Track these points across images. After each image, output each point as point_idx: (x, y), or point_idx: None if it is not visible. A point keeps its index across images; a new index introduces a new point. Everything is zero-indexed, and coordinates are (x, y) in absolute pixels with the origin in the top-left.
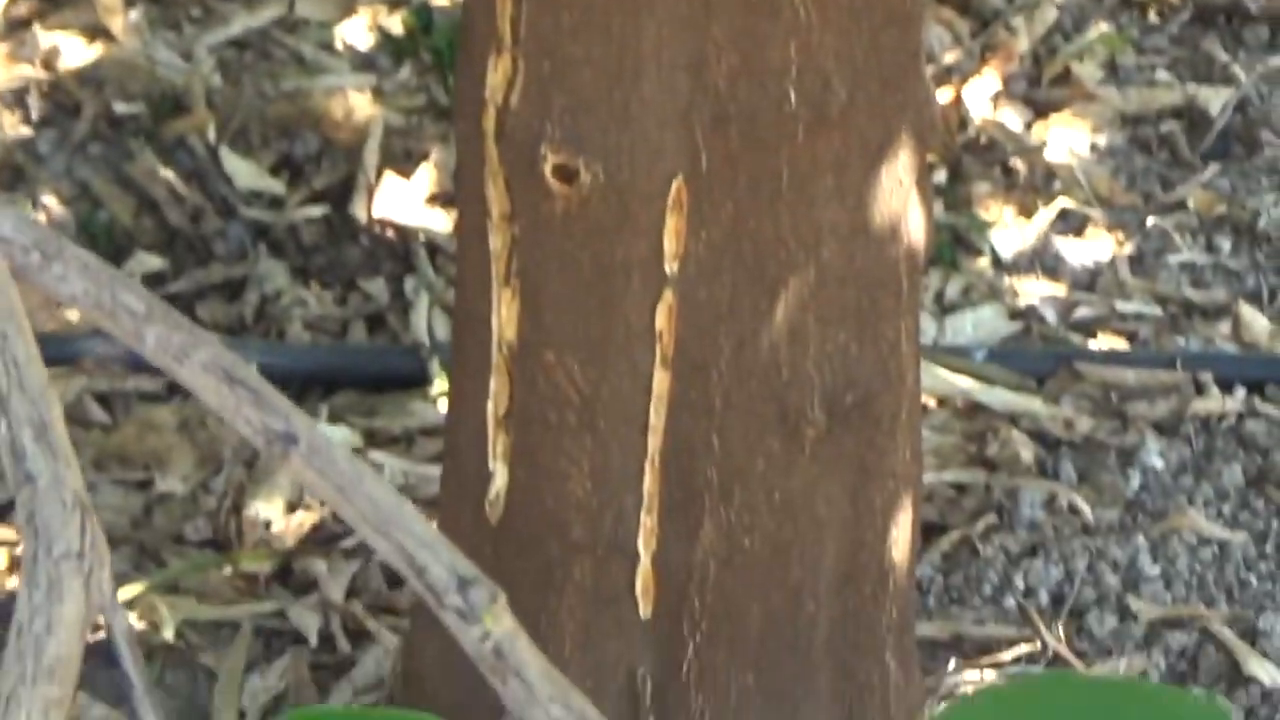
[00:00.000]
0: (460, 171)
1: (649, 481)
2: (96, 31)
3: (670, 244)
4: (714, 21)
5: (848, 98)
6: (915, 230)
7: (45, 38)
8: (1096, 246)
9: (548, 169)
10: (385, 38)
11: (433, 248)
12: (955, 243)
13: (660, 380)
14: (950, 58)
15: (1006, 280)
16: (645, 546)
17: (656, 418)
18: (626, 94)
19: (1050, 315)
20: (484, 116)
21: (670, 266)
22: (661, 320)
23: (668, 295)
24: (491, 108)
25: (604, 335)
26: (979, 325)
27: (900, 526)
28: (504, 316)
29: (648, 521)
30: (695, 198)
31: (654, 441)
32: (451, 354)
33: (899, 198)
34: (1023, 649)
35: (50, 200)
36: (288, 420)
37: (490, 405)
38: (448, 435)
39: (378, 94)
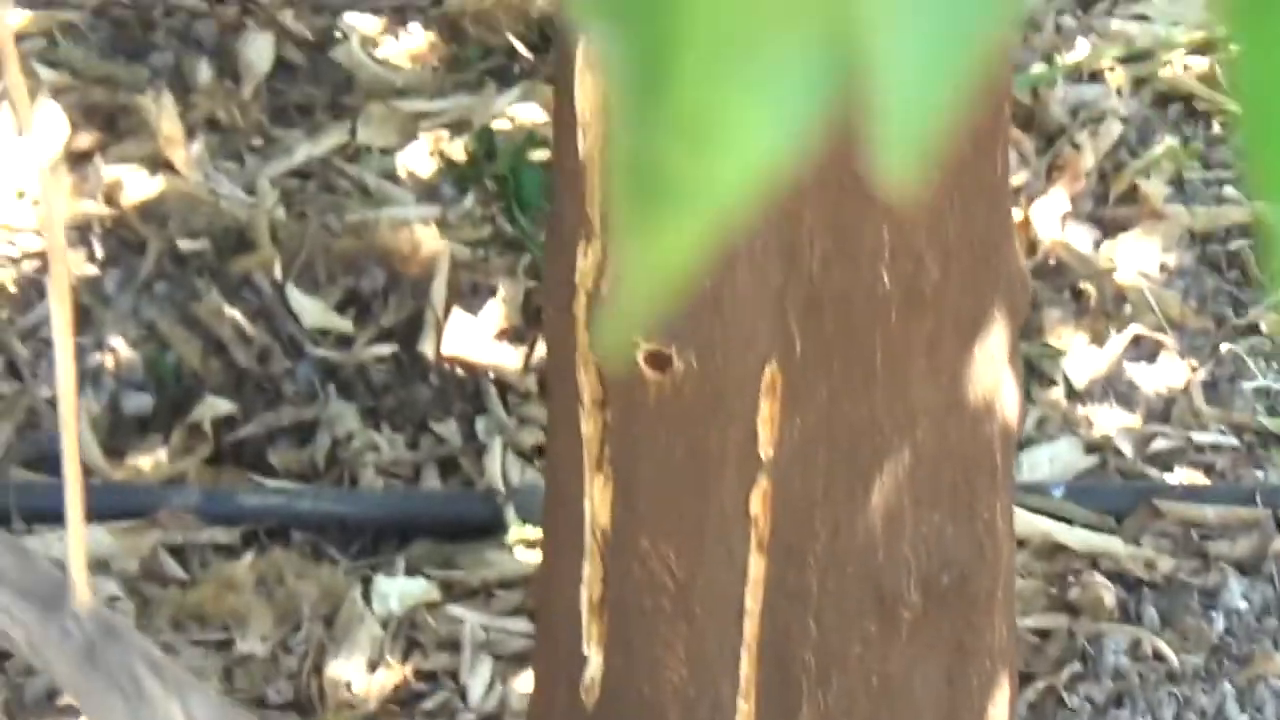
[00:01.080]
0: (551, 355)
1: (745, 667)
2: (158, 164)
3: (764, 430)
4: (806, 207)
5: (940, 275)
6: (1008, 405)
7: (107, 171)
8: (1170, 372)
9: (640, 356)
10: (448, 164)
11: (503, 385)
12: (1029, 373)
13: (756, 565)
14: (1017, 178)
15: (1081, 410)
16: None
17: (752, 603)
18: (719, 281)
19: (1127, 448)
20: (574, 302)
21: (765, 452)
22: (756, 505)
23: (762, 481)
24: (582, 293)
25: (699, 521)
26: (1055, 459)
27: (997, 705)
28: (597, 502)
29: (744, 707)
30: (789, 383)
31: (750, 627)
32: (543, 535)
33: (992, 373)
34: None
35: (118, 342)
36: None
37: (584, 591)
38: (539, 615)
39: (442, 225)
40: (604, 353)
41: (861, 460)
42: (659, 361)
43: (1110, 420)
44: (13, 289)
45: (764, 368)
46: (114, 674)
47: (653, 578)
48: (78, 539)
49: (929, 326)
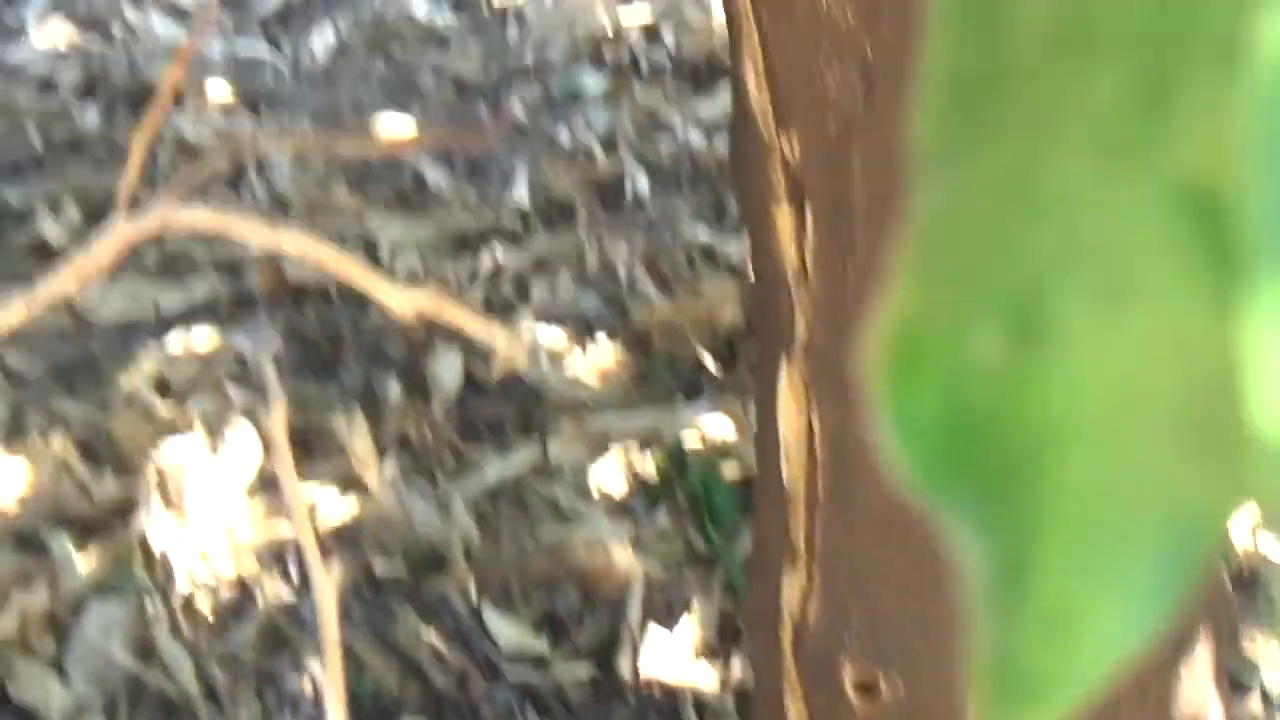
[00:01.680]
0: (757, 680)
1: None
2: (350, 483)
3: None
4: None
5: None
6: None
7: (302, 490)
8: None
9: (847, 683)
10: (639, 480)
11: (701, 704)
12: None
13: None
14: None
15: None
16: None
17: None
18: (924, 606)
19: None
20: (781, 630)
21: None
22: None
23: None
24: (789, 621)
25: None
26: None
27: None
28: None
29: None
30: None
31: None
32: None
33: (1198, 694)
34: None
35: (316, 668)
36: None
37: None
38: None
39: (635, 542)
40: None
41: None
42: (867, 688)
43: None
44: (210, 617)
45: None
46: None
47: None
48: None
49: None
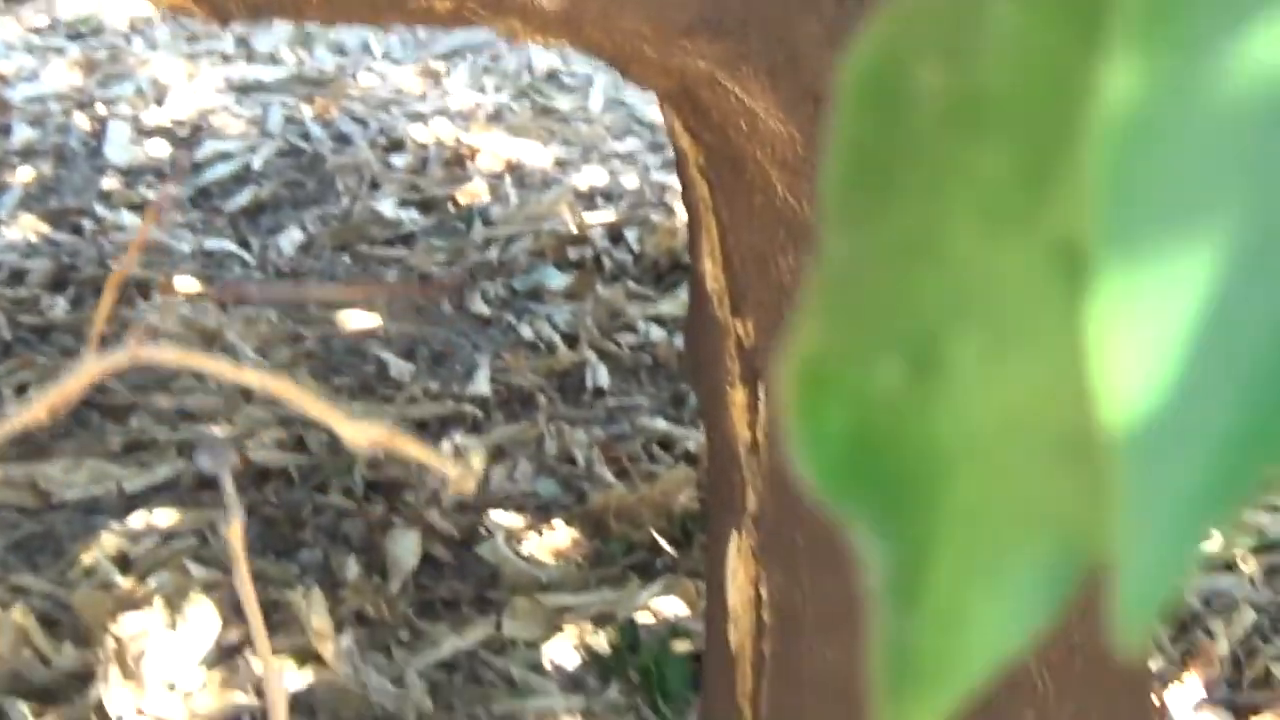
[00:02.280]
0: None
1: None
2: (307, 656)
3: None
4: None
5: None
6: None
7: (257, 665)
8: None
9: None
10: (592, 656)
11: None
12: None
13: None
14: (1152, 664)
15: None
16: None
17: None
18: None
19: None
20: None
21: None
22: None
23: None
24: None
25: None
26: None
27: None
28: None
29: None
30: None
31: None
32: None
33: None
34: None
35: None
36: None
37: None
38: None
39: (587, 716)
40: None
41: None
42: None
43: None
44: None
45: None
46: None
47: None
48: None
49: None
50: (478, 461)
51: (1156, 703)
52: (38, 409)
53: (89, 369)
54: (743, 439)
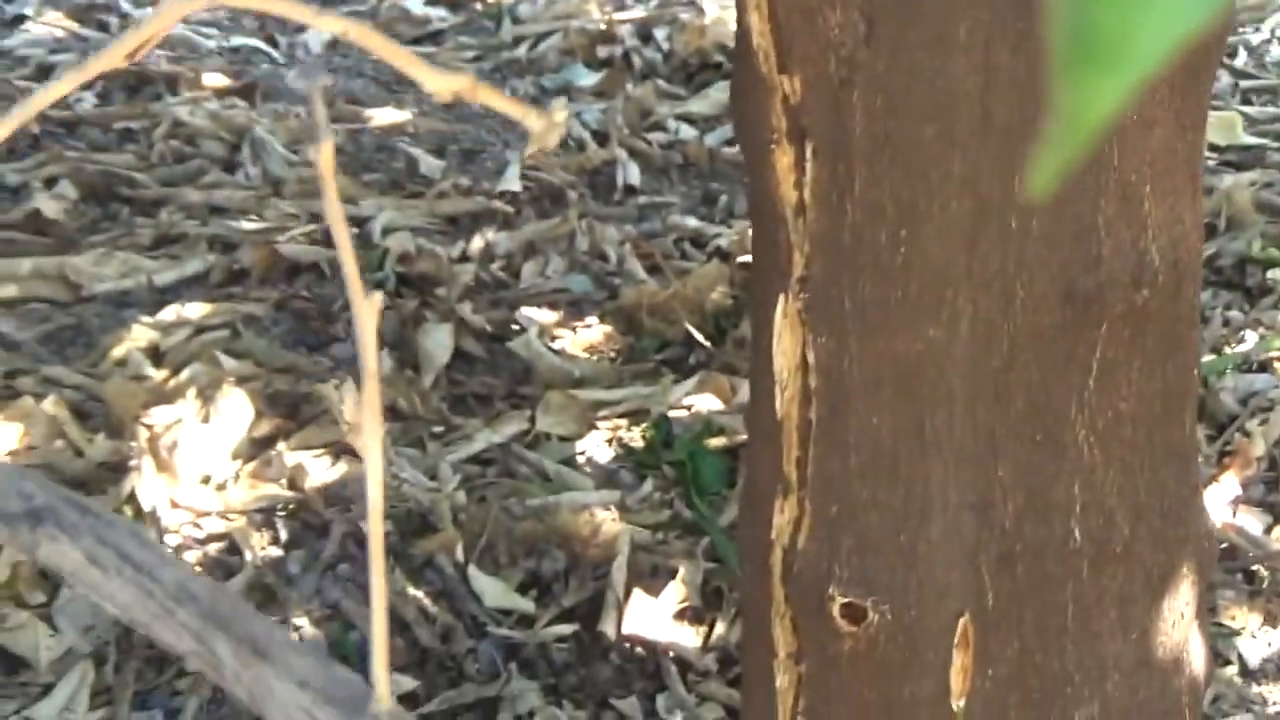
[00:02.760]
0: (746, 610)
1: None
2: (341, 449)
3: (957, 682)
4: (1000, 462)
5: (1130, 533)
6: (1196, 661)
7: (290, 457)
8: None
9: (836, 609)
10: (626, 451)
11: (683, 664)
12: None
13: None
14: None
15: (1255, 688)
16: None
17: None
18: (914, 534)
19: None
20: (770, 557)
21: (957, 704)
22: None
23: None
24: (778, 548)
25: None
26: None
27: None
28: None
29: None
30: (982, 635)
31: None
32: None
33: (1181, 629)
34: None
35: (302, 621)
36: None
37: None
38: None
39: (621, 509)
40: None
41: (1052, 713)
42: (854, 614)
43: None
44: (199, 570)
45: (957, 620)
46: None
47: None
48: (381, 641)
49: (1120, 581)
50: (561, 114)
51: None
52: (119, 49)
53: (170, 10)
54: (788, 200)
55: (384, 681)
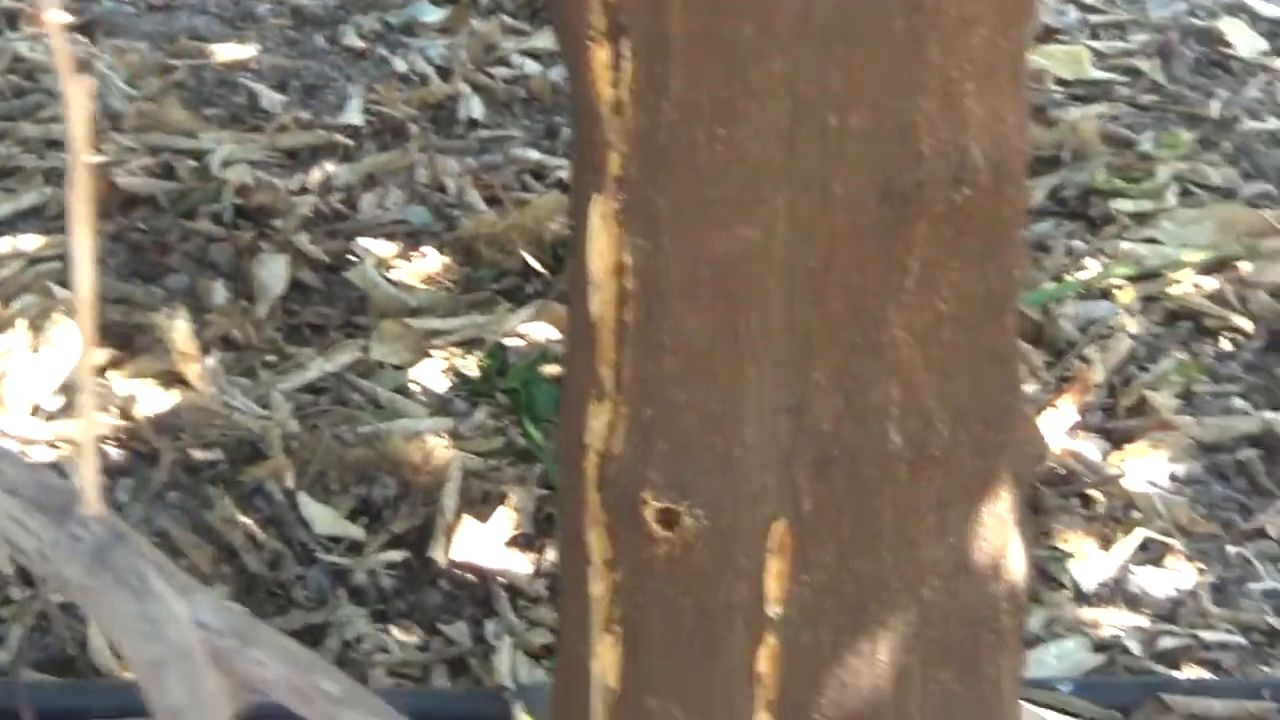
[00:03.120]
0: (562, 518)
1: None
2: (172, 379)
3: (772, 587)
4: (816, 364)
5: (950, 436)
6: (1016, 567)
7: (121, 385)
8: (1178, 576)
9: (650, 514)
10: (460, 379)
11: (513, 590)
12: (1036, 575)
13: None
14: (1026, 389)
15: (1089, 612)
16: None
17: None
18: (729, 438)
19: (1134, 646)
20: (585, 462)
21: (772, 610)
22: (763, 664)
23: (770, 639)
24: (593, 453)
25: (706, 680)
26: (1063, 658)
27: None
28: (605, 662)
29: None
30: (798, 540)
31: None
32: (552, 700)
33: (1000, 534)
34: None
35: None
36: None
37: None
38: None
39: (454, 437)
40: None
41: (870, 618)
42: (669, 519)
43: (1118, 621)
44: None
45: (773, 524)
46: (122, 573)
47: None
48: (90, 451)
49: (938, 486)
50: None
51: (1023, 381)
52: None
53: None
54: (605, 99)
55: (93, 489)
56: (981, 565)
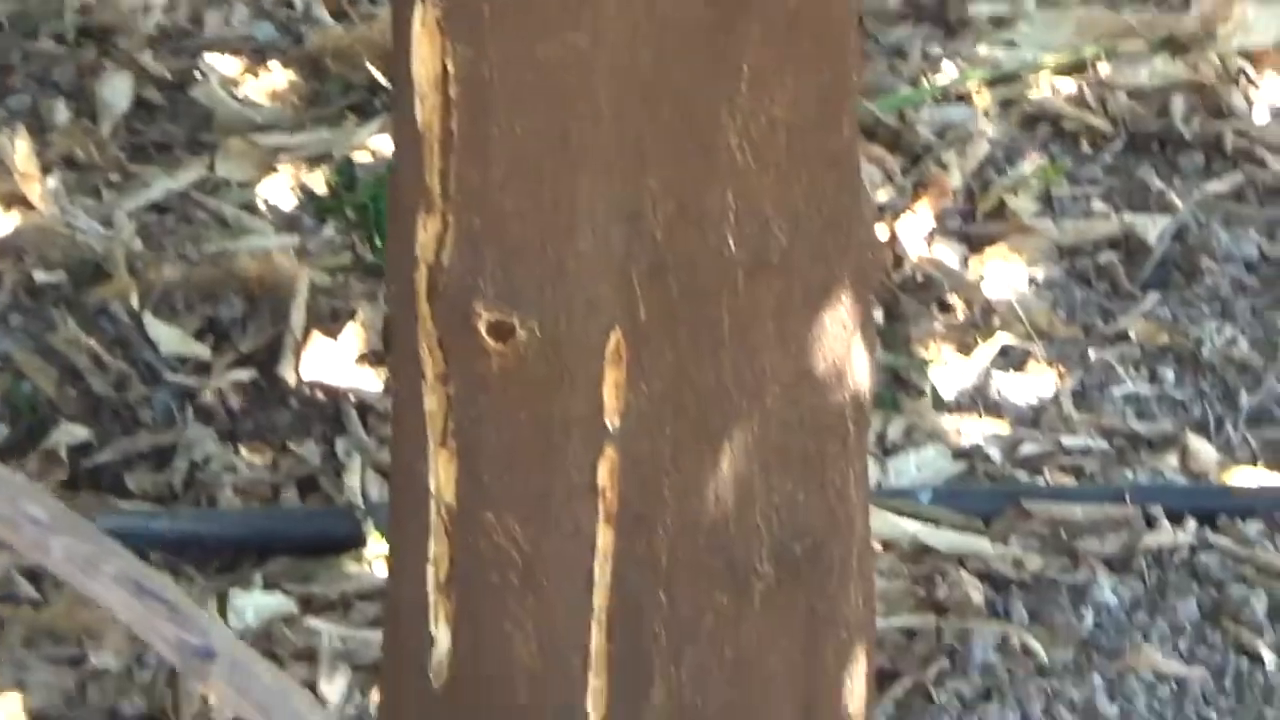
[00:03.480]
0: (393, 332)
1: (596, 641)
2: (13, 200)
3: (610, 398)
4: (649, 170)
5: (788, 242)
6: (860, 374)
7: None
8: (1038, 382)
9: (482, 327)
10: (308, 196)
11: (363, 408)
12: (895, 383)
13: (604, 537)
14: (883, 195)
15: (948, 419)
16: (594, 709)
17: (601, 575)
18: (561, 247)
19: (995, 453)
20: (415, 275)
21: (611, 421)
22: (603, 476)
23: (609, 450)
24: (423, 266)
25: (545, 493)
26: (923, 466)
27: (855, 677)
28: (442, 478)
29: (596, 683)
30: (634, 350)
31: (600, 600)
32: (389, 518)
33: (842, 342)
34: None
35: None
36: (206, 635)
37: (430, 569)
38: (387, 601)
39: (302, 254)
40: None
41: (711, 428)
42: (501, 331)
43: (978, 428)
44: None
45: (608, 335)
46: None
47: (499, 552)
48: None
49: (777, 293)
50: None
51: (884, 233)
52: None
53: None
54: None
55: None
56: (824, 373)
